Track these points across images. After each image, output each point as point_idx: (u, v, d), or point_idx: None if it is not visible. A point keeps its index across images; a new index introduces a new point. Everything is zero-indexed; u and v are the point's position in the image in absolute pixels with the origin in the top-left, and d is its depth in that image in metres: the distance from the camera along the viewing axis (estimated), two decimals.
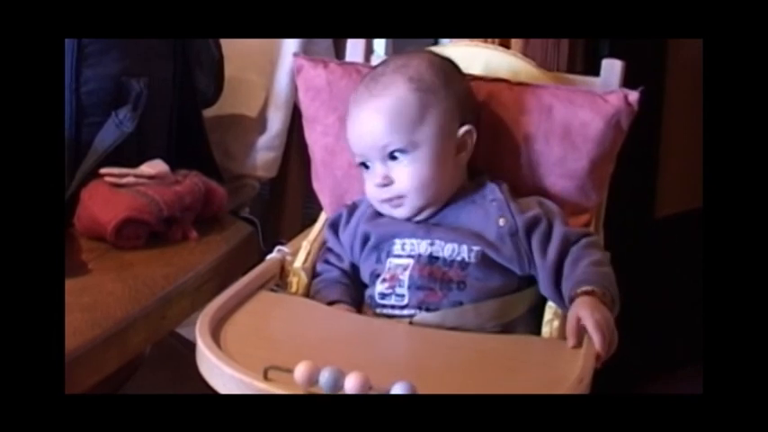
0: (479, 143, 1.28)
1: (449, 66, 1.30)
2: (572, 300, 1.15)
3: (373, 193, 1.26)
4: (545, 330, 1.18)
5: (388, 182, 1.25)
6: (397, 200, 1.25)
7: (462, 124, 1.26)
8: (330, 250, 1.31)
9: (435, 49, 1.40)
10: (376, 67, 1.30)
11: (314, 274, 1.30)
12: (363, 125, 1.25)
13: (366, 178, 1.27)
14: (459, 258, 1.21)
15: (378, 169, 1.25)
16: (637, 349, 1.30)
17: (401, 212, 1.26)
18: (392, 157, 1.24)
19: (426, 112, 1.23)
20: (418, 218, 1.26)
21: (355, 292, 1.26)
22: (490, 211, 1.24)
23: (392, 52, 1.97)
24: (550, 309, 1.20)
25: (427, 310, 1.19)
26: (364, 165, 1.26)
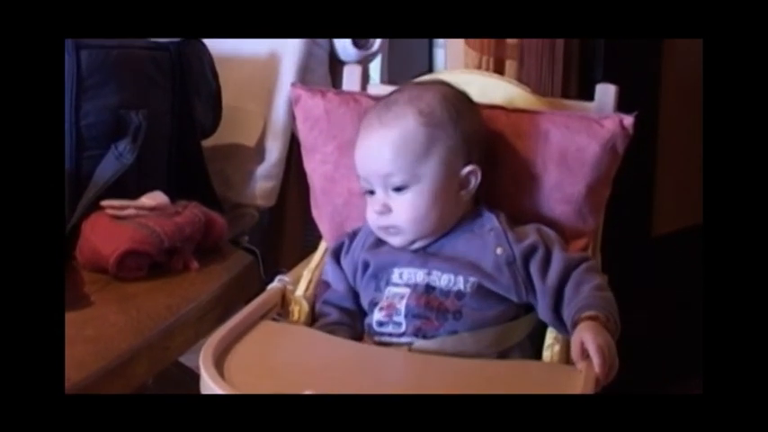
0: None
1: (463, 101, 1.29)
2: (575, 324, 1.15)
3: (372, 219, 1.27)
4: (546, 355, 1.19)
5: (386, 210, 1.25)
6: (393, 228, 1.26)
7: (468, 163, 1.26)
8: (327, 285, 1.32)
9: (444, 76, 1.38)
10: (391, 93, 1.30)
11: (314, 312, 1.30)
12: (370, 151, 1.26)
13: (368, 203, 1.28)
14: (455, 289, 1.22)
15: (379, 196, 1.26)
16: (635, 367, 1.30)
17: (396, 241, 1.27)
18: (393, 187, 1.25)
19: (432, 148, 1.24)
20: (414, 246, 1.27)
21: (358, 330, 1.27)
22: (488, 241, 1.25)
23: (387, 80, 1.98)
24: (551, 334, 1.20)
25: (424, 337, 1.20)
26: (369, 191, 1.27)
